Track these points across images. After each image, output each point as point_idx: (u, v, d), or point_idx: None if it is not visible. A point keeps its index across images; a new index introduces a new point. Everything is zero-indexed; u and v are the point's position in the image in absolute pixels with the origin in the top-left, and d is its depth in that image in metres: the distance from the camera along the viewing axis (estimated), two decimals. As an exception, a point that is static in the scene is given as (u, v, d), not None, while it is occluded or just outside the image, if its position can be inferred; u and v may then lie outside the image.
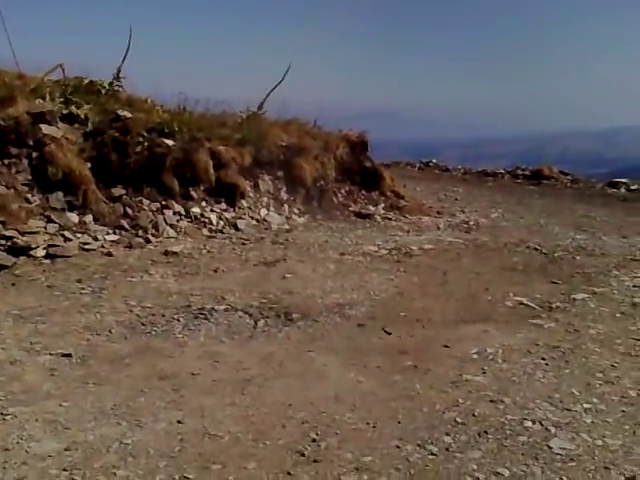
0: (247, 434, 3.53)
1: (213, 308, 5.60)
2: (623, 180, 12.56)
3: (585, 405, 4.01)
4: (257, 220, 9.24)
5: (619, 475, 3.27)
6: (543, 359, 4.68)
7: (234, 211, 9.13)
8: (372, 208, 10.73)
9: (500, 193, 12.95)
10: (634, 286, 6.57)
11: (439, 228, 9.68)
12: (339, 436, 3.51)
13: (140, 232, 7.85)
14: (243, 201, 9.35)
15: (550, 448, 3.49)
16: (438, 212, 11.01)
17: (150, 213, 8.19)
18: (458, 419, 3.76)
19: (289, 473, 3.16)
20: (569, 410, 3.94)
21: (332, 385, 4.15)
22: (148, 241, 7.73)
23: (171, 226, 8.21)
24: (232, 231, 8.68)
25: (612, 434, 3.68)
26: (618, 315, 5.70)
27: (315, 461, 3.26)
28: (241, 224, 8.89)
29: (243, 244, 8.10)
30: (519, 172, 14.73)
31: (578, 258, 7.65)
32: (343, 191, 10.96)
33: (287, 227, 9.23)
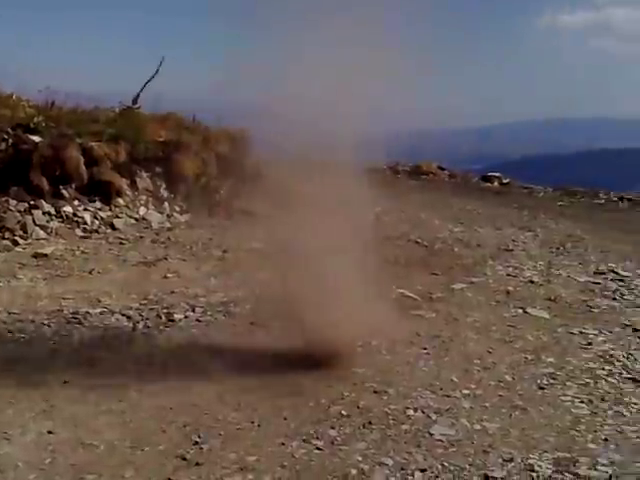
0: (124, 441, 3.40)
1: (87, 312, 5.36)
2: (496, 174, 13.24)
3: (464, 391, 4.17)
4: (136, 219, 8.95)
5: (497, 458, 3.41)
6: (424, 349, 4.83)
7: (110, 210, 8.79)
8: (256, 204, 10.66)
9: (381, 188, 13.25)
10: (507, 275, 6.91)
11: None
12: (223, 437, 3.46)
13: (7, 234, 7.39)
14: (120, 199, 9.02)
15: (431, 435, 3.60)
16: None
17: (17, 214, 7.73)
18: (343, 412, 3.80)
19: (170, 479, 3.07)
20: (449, 397, 4.08)
21: (216, 386, 4.08)
22: (16, 243, 7.30)
23: (41, 227, 7.79)
24: (109, 231, 8.36)
25: (490, 418, 3.85)
26: (493, 303, 5.98)
27: (197, 464, 3.19)
28: (118, 223, 8.58)
29: (121, 244, 7.83)
30: (399, 168, 15.14)
31: (456, 250, 7.97)
32: (226, 188, 10.82)
33: (168, 225, 9.01)
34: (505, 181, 13.17)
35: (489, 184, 13.19)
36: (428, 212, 10.52)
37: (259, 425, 3.60)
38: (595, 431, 3.76)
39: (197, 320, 5.30)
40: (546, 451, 3.49)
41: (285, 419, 3.69)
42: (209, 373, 4.25)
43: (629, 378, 4.51)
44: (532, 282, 6.68)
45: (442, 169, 14.52)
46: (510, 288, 6.44)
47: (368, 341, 4.89)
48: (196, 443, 3.39)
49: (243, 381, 4.17)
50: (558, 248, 8.15)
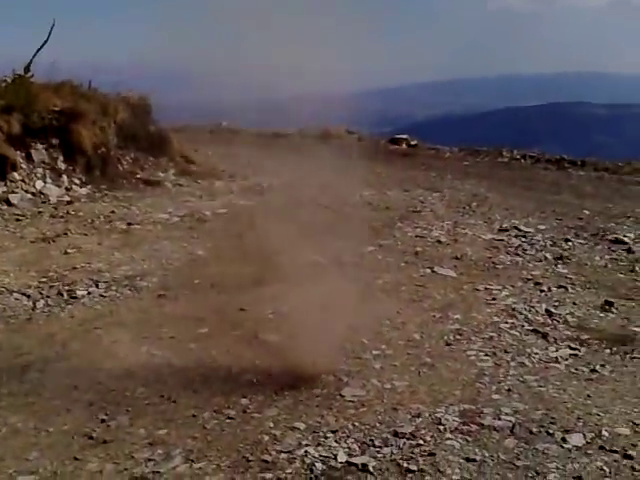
0: (28, 423, 3.30)
1: (-17, 292, 5.13)
2: (404, 136, 13.46)
3: (374, 352, 4.28)
4: (33, 193, 8.58)
5: (406, 414, 3.53)
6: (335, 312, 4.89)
7: (5, 185, 8.39)
8: (161, 174, 10.44)
9: (292, 154, 13.21)
10: (416, 236, 7.09)
11: (232, 192, 9.68)
12: (131, 413, 3.41)
13: None
14: (15, 173, 8.61)
15: (343, 397, 3.68)
16: (231, 175, 10.99)
17: None
18: (254, 380, 3.82)
19: (76, 458, 3.01)
20: (360, 358, 4.18)
21: (122, 362, 4.01)
22: None
23: None
24: (4, 207, 7.99)
25: (399, 376, 3.96)
26: (402, 264, 6.13)
27: (105, 442, 3.15)
28: (14, 199, 8.20)
29: (17, 220, 7.50)
30: (308, 132, 15.11)
31: (366, 213, 8.07)
32: (128, 158, 10.52)
33: (68, 199, 8.68)
34: (413, 143, 13.41)
35: (397, 146, 13.40)
36: (337, 177, 10.58)
37: (169, 399, 3.57)
38: (499, 382, 3.95)
39: (101, 296, 5.17)
40: (452, 404, 3.63)
41: (195, 391, 3.67)
42: (114, 350, 4.18)
43: (531, 330, 4.75)
44: (439, 242, 6.88)
45: (351, 133, 14.61)
46: (418, 249, 6.61)
47: (279, 308, 4.92)
48: (103, 421, 3.33)
49: (151, 356, 4.12)
50: (464, 208, 8.41)
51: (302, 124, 16.23)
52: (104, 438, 3.18)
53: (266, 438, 3.24)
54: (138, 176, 10.14)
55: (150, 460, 3.03)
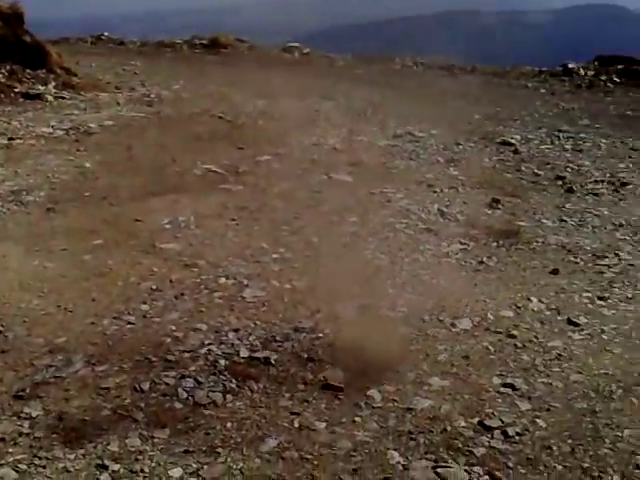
0: None
1: None
2: (296, 45, 13.27)
3: (274, 256, 4.39)
4: None
5: (306, 311, 3.69)
6: (233, 220, 4.95)
7: None
8: (41, 87, 9.86)
9: (180, 64, 12.80)
10: (312, 144, 7.14)
11: (119, 104, 9.31)
12: (27, 324, 3.39)
13: None
14: None
15: (244, 298, 3.79)
16: (116, 87, 10.52)
17: None
18: (154, 287, 3.86)
19: (-27, 372, 2.99)
20: (259, 262, 4.28)
21: (14, 275, 3.94)
22: None
23: None
24: None
25: (299, 277, 4.11)
26: (299, 172, 6.19)
27: (3, 352, 3.13)
28: None
29: None
30: (197, 42, 14.63)
31: (261, 123, 8.02)
32: (4, 71, 9.86)
33: (-62, 115, 8.10)
34: (305, 51, 13.26)
35: (290, 55, 13.22)
36: (230, 87, 10.39)
37: (66, 308, 3.56)
38: (394, 277, 4.17)
39: (-15, 212, 4.98)
40: (350, 300, 3.83)
41: (94, 300, 3.68)
42: (5, 263, 4.08)
43: (424, 229, 4.99)
44: (335, 149, 6.98)
45: (242, 41, 14.26)
46: (314, 156, 6.68)
47: (175, 217, 4.92)
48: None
49: (43, 268, 4.06)
50: (359, 115, 8.50)
51: (190, 34, 15.70)
52: (2, 348, 3.16)
53: (168, 340, 3.32)
54: (16, 90, 9.54)
55: (51, 366, 3.06)
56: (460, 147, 7.16)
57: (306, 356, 3.25)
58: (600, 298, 3.99)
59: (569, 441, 2.71)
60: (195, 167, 6.23)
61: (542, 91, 10.34)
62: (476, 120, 8.27)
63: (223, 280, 4.00)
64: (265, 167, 6.30)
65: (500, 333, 3.56)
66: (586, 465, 2.57)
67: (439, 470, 2.52)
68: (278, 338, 3.39)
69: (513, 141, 7.31)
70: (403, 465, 2.55)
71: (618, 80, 10.64)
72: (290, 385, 3.05)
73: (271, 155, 6.66)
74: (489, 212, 5.38)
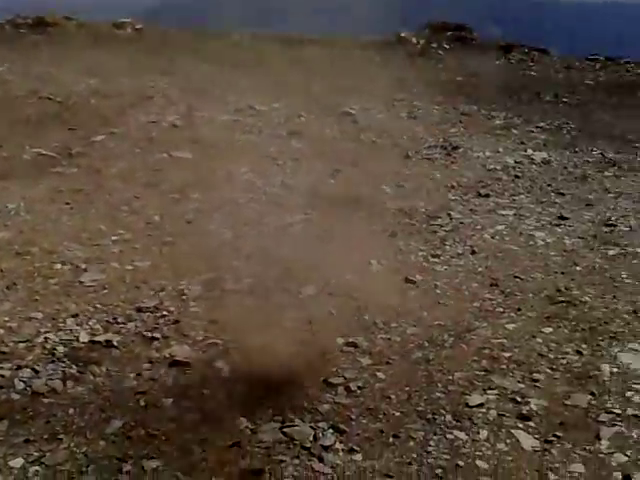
0: None
1: None
2: (128, 20, 12.85)
3: (113, 237, 4.33)
4: None
5: (149, 291, 3.69)
6: (67, 204, 4.81)
7: None
8: None
9: (3, 46, 12.03)
10: (149, 122, 7.01)
11: None
12: None
13: None
14: None
15: (82, 283, 3.72)
16: None
17: None
18: (-21, 279, 3.69)
19: None
20: (98, 245, 4.20)
21: None
22: None
23: None
24: None
25: (141, 257, 4.08)
26: (137, 150, 6.09)
27: None
28: None
29: None
30: (20, 21, 13.78)
31: (93, 102, 7.76)
32: None
33: None
34: (138, 27, 12.89)
35: (122, 31, 12.81)
36: (58, 67, 9.92)
37: None
38: (239, 250, 4.24)
39: None
40: (195, 276, 3.86)
41: None
42: None
43: (268, 201, 5.10)
44: (175, 126, 6.91)
45: (70, 19, 13.61)
46: (153, 134, 6.59)
47: (4, 205, 4.70)
48: None
49: None
50: (198, 91, 8.43)
51: (12, 13, 14.76)
52: None
53: (2, 331, 3.21)
54: None
55: None
56: (301, 119, 7.33)
57: (150, 335, 3.26)
58: (434, 256, 4.29)
59: (406, 389, 2.92)
60: (24, 152, 5.96)
61: (377, 60, 10.72)
62: (316, 92, 8.46)
63: (59, 266, 3.89)
64: (100, 147, 6.14)
65: (343, 296, 3.74)
66: (421, 409, 2.78)
67: (286, 430, 2.64)
68: (120, 320, 3.37)
69: (352, 111, 7.58)
70: (251, 429, 2.65)
71: (448, 47, 11.28)
72: (135, 365, 3.05)
73: (106, 135, 6.49)
74: (331, 182, 5.57)
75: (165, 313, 3.46)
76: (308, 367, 3.06)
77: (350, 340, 3.30)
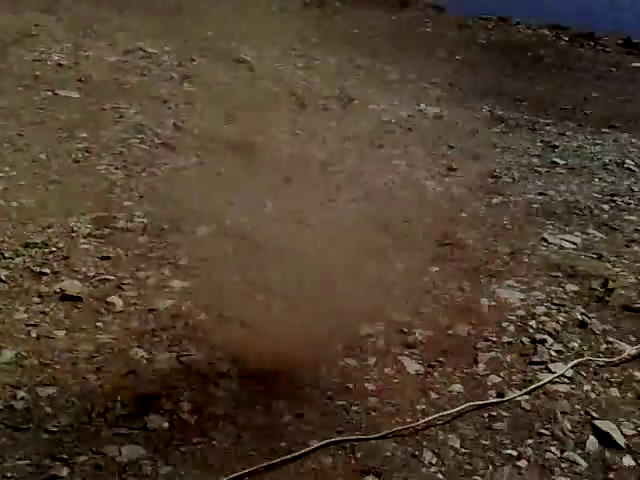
0: None
1: None
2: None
3: (-2, 175, 4.21)
4: None
5: (37, 227, 3.65)
6: (-55, 139, 4.62)
7: None
8: None
9: None
10: (33, 60, 6.76)
11: None
12: None
13: None
14: None
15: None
16: None
17: None
18: None
19: None
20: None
21: None
22: None
23: None
24: None
25: (26, 194, 4.01)
26: (20, 89, 5.87)
27: None
28: None
29: None
30: None
31: (-31, 36, 7.37)
32: None
33: None
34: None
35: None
36: None
37: None
38: (130, 191, 4.25)
39: None
40: (85, 214, 3.84)
41: None
42: None
43: (160, 143, 5.09)
44: (60, 65, 6.69)
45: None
46: (37, 73, 6.35)
47: None
48: None
49: None
50: (85, 30, 8.16)
51: None
52: None
53: None
54: None
55: None
56: (194, 63, 7.27)
57: (39, 270, 3.24)
58: (329, 200, 4.43)
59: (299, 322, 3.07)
60: None
61: (274, 9, 10.69)
62: (209, 37, 8.38)
63: None
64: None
65: (238, 237, 3.83)
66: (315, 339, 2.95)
67: (182, 359, 2.74)
68: (7, 255, 3.33)
69: (247, 58, 7.58)
70: (147, 359, 2.73)
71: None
72: (25, 299, 3.04)
73: (-15, 72, 6.21)
74: (225, 127, 5.59)
75: (54, 249, 3.44)
76: (204, 302, 3.16)
77: (245, 277, 3.40)
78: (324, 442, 2.34)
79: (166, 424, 2.37)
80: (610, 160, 5.66)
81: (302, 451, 2.28)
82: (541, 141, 6.13)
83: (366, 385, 2.68)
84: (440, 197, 4.66)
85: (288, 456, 2.26)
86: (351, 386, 2.67)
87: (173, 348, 2.81)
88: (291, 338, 2.95)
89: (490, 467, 2.29)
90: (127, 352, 2.76)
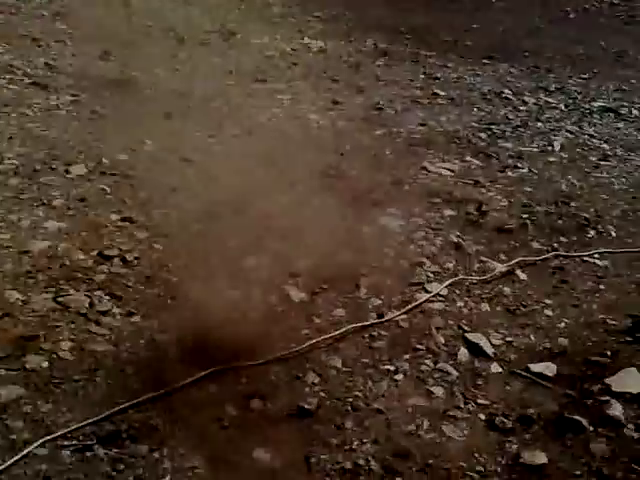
0: None
1: None
2: None
3: None
4: None
5: None
6: None
7: None
8: None
9: None
10: None
11: None
12: None
13: None
14: None
15: None
16: None
17: None
18: None
19: None
20: None
21: None
22: None
23: None
24: None
25: None
26: None
27: None
28: None
29: None
30: None
31: None
32: None
33: None
34: None
35: None
36: None
37: None
38: (1, 133, 4.07)
39: None
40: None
41: None
42: None
43: (31, 83, 4.89)
44: None
45: None
46: None
47: None
48: None
49: None
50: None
51: None
52: None
53: None
54: None
55: None
56: (66, 0, 6.95)
57: None
58: (210, 136, 4.41)
59: (183, 258, 3.09)
60: None
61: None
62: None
63: None
64: None
65: (116, 175, 3.77)
66: (199, 274, 2.97)
67: (60, 299, 2.70)
68: None
69: (122, -7, 7.29)
70: (23, 300, 2.67)
71: None
72: None
73: None
74: (101, 63, 5.43)
75: None
76: (81, 242, 3.10)
77: (125, 216, 3.37)
78: (209, 371, 2.38)
79: (46, 364, 2.35)
80: (489, 90, 5.86)
81: (187, 381, 2.32)
82: (423, 73, 6.26)
83: (250, 314, 2.74)
84: (324, 130, 4.71)
85: (172, 387, 2.30)
86: (235, 316, 2.71)
87: (50, 289, 2.76)
88: (174, 274, 2.97)
89: (369, 382, 2.41)
90: (2, 295, 2.69)
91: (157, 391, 2.28)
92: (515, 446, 2.13)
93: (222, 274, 2.99)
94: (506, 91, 5.87)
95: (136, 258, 3.04)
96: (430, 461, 2.08)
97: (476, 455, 2.10)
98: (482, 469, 2.05)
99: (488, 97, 5.70)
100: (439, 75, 6.22)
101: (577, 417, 2.17)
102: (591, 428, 2.14)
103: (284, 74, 5.84)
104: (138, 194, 3.61)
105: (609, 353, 2.55)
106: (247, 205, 3.61)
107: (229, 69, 5.74)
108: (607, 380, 2.34)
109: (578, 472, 1.99)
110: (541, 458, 2.05)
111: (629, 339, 2.63)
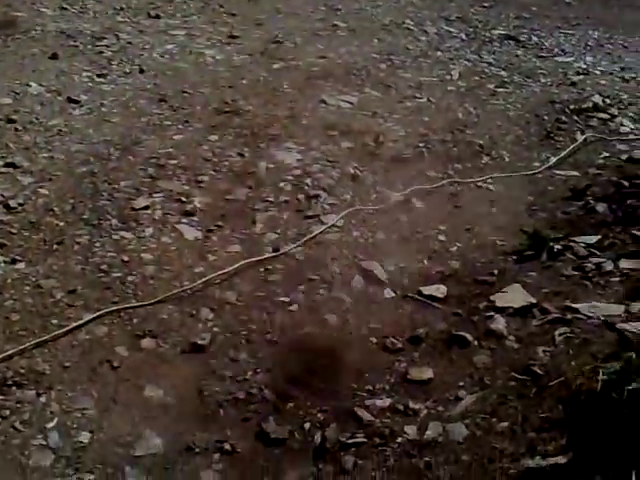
0: None
1: None
2: None
3: None
4: None
5: None
6: None
7: None
8: None
9: None
10: None
11: None
12: None
13: None
14: None
15: None
16: None
17: None
18: None
19: None
20: None
21: None
22: None
23: None
24: None
25: None
26: None
27: None
28: None
29: None
30: None
31: None
32: None
33: None
34: None
35: None
36: None
37: None
38: None
39: None
40: None
41: None
42: None
43: None
44: None
45: None
46: None
47: None
48: None
49: None
50: None
51: None
52: None
53: None
54: None
55: None
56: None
57: None
58: (99, 76, 4.28)
59: (70, 201, 3.02)
60: None
61: None
62: None
63: None
64: None
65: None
66: (86, 217, 2.91)
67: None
68: None
69: None
70: None
71: None
72: None
73: None
74: None
75: None
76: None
77: (8, 161, 3.26)
78: (97, 314, 2.37)
79: None
80: (390, 21, 5.85)
81: (73, 325, 2.31)
82: (324, 5, 6.19)
83: (143, 255, 2.72)
84: (220, 65, 4.62)
85: (59, 331, 2.28)
86: (127, 258, 2.69)
87: None
88: (60, 219, 2.91)
89: (265, 315, 2.45)
90: None
91: (42, 336, 2.26)
92: (404, 365, 2.22)
93: (112, 216, 2.95)
94: (407, 21, 5.87)
95: (20, 204, 2.96)
96: (322, 385, 2.15)
97: (366, 376, 2.18)
98: (371, 387, 2.13)
99: (389, 28, 5.69)
100: (340, 7, 6.16)
101: (463, 333, 2.27)
102: (475, 342, 2.24)
103: (178, 9, 5.68)
104: (22, 138, 3.49)
105: (496, 272, 2.66)
106: (138, 145, 3.55)
107: (120, 6, 5.54)
108: (492, 297, 2.43)
109: (461, 383, 2.09)
110: (427, 373, 2.14)
111: (515, 257, 2.75)
